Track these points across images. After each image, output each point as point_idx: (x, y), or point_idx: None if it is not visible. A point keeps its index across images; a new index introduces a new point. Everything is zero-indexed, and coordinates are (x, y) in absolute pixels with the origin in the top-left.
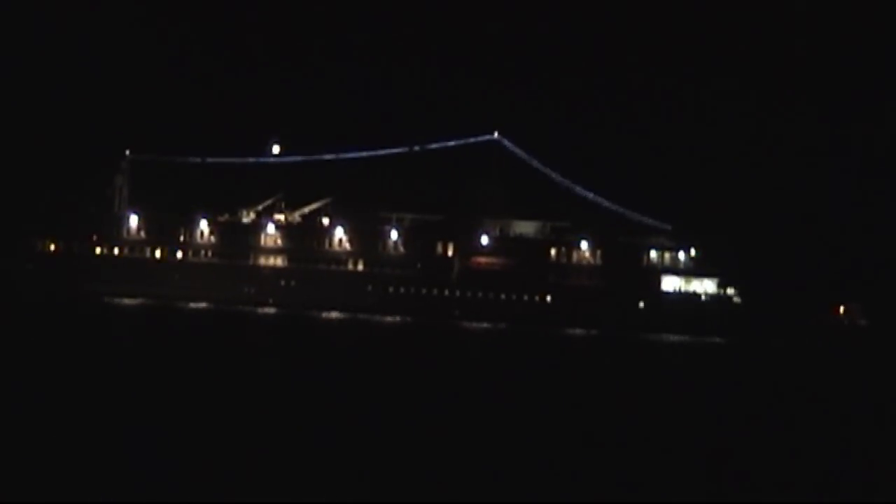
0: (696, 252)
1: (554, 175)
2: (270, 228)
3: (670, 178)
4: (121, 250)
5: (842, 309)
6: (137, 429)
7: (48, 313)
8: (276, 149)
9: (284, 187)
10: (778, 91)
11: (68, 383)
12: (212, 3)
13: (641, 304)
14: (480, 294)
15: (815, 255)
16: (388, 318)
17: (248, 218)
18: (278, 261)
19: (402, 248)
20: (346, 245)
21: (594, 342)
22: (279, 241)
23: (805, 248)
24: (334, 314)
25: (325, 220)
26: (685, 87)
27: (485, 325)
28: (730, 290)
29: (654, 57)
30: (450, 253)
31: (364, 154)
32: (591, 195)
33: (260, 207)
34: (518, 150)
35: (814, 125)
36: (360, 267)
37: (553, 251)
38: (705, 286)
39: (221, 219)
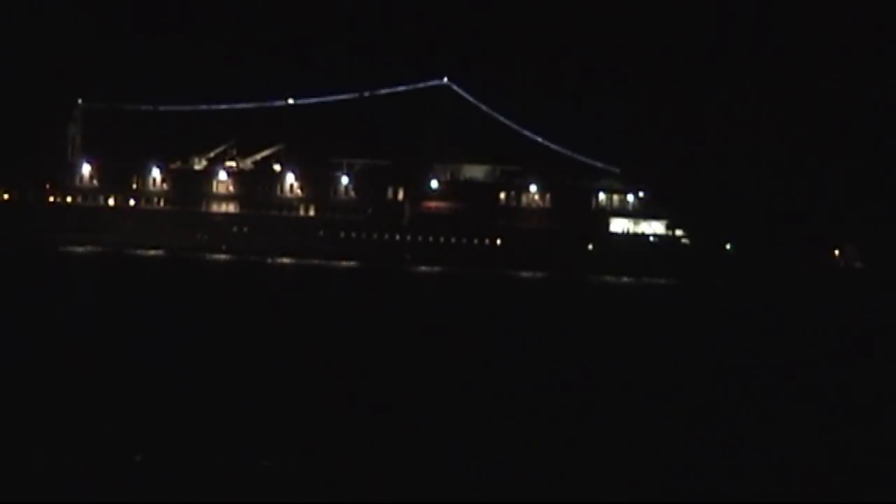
0: (645, 194)
1: (503, 119)
2: (222, 175)
3: (618, 120)
4: (74, 198)
5: (837, 251)
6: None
7: (4, 263)
8: (290, 101)
9: (236, 134)
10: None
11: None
12: None
13: (590, 247)
14: (431, 238)
15: (796, 197)
16: (341, 263)
17: (200, 165)
18: (230, 207)
19: (352, 194)
20: (298, 191)
21: (543, 285)
22: (231, 188)
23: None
24: (286, 260)
25: (277, 167)
26: (634, 29)
27: (436, 268)
28: (678, 232)
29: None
30: (400, 197)
31: (315, 100)
32: (539, 138)
33: (212, 154)
34: (467, 95)
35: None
36: (312, 212)
37: (503, 194)
38: (654, 228)
39: (174, 166)
